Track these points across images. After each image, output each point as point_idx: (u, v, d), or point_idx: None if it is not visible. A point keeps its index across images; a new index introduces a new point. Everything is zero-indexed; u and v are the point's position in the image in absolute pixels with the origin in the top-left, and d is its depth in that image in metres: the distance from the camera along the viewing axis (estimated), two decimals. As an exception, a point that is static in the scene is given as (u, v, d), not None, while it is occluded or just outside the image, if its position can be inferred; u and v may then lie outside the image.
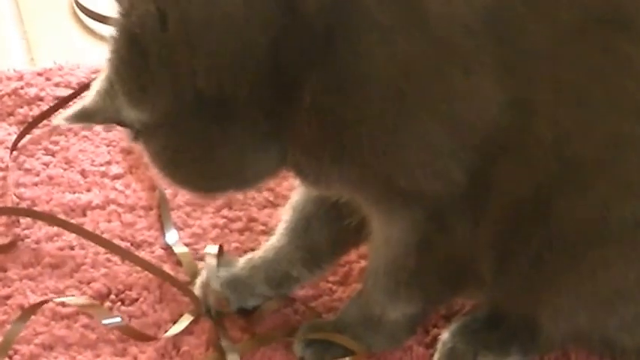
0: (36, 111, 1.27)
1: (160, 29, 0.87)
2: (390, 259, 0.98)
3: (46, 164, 1.22)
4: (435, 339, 1.04)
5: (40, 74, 1.32)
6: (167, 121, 0.90)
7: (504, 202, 0.90)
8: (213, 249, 1.10)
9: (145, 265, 1.10)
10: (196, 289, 1.08)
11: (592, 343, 1.03)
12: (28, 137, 1.25)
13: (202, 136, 0.91)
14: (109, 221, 1.16)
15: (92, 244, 1.13)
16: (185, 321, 1.05)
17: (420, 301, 1.01)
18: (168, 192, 1.18)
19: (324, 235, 1.05)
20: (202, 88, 0.87)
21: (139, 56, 0.88)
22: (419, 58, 0.85)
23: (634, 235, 0.91)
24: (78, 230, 1.13)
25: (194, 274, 1.09)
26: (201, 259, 1.11)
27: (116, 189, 1.20)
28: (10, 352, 1.03)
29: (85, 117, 0.93)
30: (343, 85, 0.86)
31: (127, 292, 1.09)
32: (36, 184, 1.20)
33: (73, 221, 1.15)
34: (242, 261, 1.08)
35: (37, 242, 1.13)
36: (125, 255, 1.11)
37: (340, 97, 0.87)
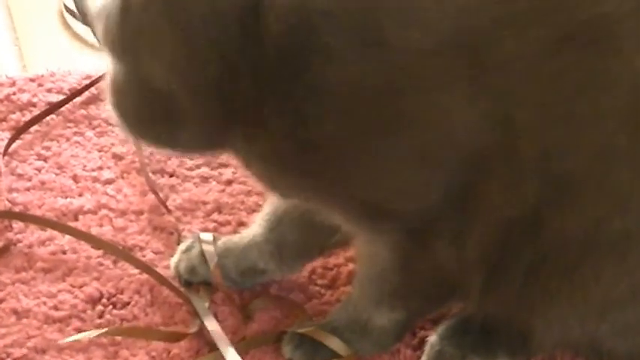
0: (28, 117, 1.28)
1: (120, 22, 0.86)
2: (373, 273, 0.98)
3: (39, 169, 1.23)
4: (423, 341, 1.05)
5: (32, 80, 1.33)
6: (129, 83, 0.90)
7: (492, 220, 0.89)
8: (207, 236, 1.11)
9: (139, 265, 1.11)
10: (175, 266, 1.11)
11: (582, 347, 1.04)
12: (20, 143, 1.25)
13: (156, 115, 0.90)
14: (101, 226, 1.17)
15: (84, 248, 1.13)
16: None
17: (404, 311, 1.01)
18: (161, 195, 1.19)
19: (292, 235, 1.06)
20: (158, 87, 0.87)
21: (109, 34, 0.88)
22: (374, 81, 0.83)
23: (623, 247, 0.91)
24: (72, 231, 1.14)
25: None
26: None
27: (107, 194, 1.20)
28: (3, 355, 1.03)
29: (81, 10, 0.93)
30: (300, 109, 0.84)
31: (119, 296, 1.10)
32: (28, 189, 1.20)
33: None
34: (221, 240, 1.10)
35: (30, 247, 1.14)
36: (118, 253, 1.12)
37: (297, 121, 0.85)
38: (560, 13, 0.83)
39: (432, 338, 1.04)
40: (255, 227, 1.09)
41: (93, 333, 1.05)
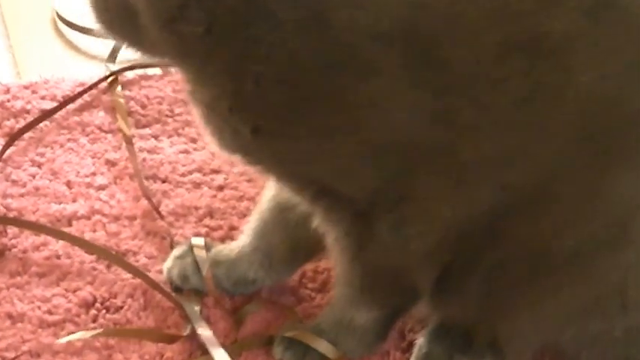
0: (22, 123, 1.28)
1: None
2: (341, 267, 0.99)
3: (33, 175, 1.23)
4: (412, 344, 1.05)
5: (26, 87, 1.33)
6: None
7: (433, 218, 0.89)
8: (199, 241, 1.11)
9: (132, 270, 1.12)
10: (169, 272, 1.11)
11: (551, 352, 1.05)
12: (14, 149, 1.26)
13: (126, 17, 0.89)
14: (94, 231, 1.17)
15: (78, 253, 1.14)
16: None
17: (376, 307, 1.01)
18: (154, 200, 1.20)
19: (280, 241, 1.07)
20: None
21: None
22: (313, 56, 0.82)
23: (577, 264, 0.91)
24: (65, 236, 1.15)
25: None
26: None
27: (101, 199, 1.21)
28: (-2, 359, 1.05)
29: None
30: (242, 71, 0.84)
31: (112, 300, 1.10)
32: (23, 195, 1.21)
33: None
34: (212, 251, 1.11)
35: (24, 252, 1.15)
36: (111, 258, 1.13)
37: (239, 82, 0.85)
38: (512, 23, 0.82)
39: (420, 340, 1.04)
40: (244, 238, 1.10)
41: (88, 334, 1.06)
